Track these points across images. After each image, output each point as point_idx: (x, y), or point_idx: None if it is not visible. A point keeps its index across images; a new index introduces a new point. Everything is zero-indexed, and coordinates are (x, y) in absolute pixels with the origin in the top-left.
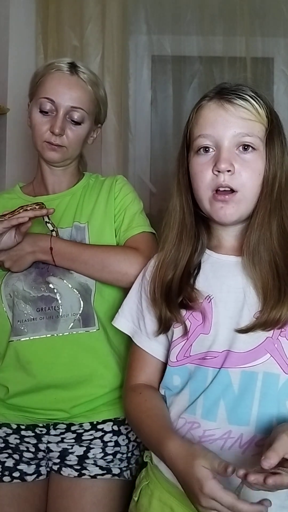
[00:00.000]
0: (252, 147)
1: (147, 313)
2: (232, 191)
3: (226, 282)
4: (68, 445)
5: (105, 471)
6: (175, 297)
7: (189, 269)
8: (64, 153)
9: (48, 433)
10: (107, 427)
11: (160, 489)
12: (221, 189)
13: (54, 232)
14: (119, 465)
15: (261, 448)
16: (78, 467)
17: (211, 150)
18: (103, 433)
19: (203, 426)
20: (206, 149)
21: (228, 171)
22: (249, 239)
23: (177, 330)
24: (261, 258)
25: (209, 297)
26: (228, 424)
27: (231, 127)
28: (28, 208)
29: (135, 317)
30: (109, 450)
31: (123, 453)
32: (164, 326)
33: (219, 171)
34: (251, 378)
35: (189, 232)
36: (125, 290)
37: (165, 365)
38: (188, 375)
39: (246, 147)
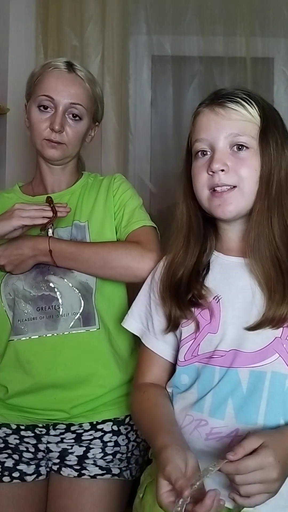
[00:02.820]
0: (245, 146)
1: (156, 313)
2: (232, 187)
3: (234, 283)
4: (67, 445)
5: (104, 471)
6: (184, 294)
7: (198, 268)
8: (64, 151)
9: (47, 433)
10: (107, 427)
11: None
12: (217, 189)
13: (48, 230)
14: (118, 465)
15: None
16: (78, 467)
17: (207, 153)
18: (102, 433)
19: (211, 424)
20: (203, 152)
21: (222, 170)
22: (248, 236)
23: (185, 330)
24: (262, 255)
25: (217, 297)
26: (236, 423)
27: (223, 129)
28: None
29: (143, 318)
30: (108, 450)
31: (122, 453)
32: (173, 324)
33: (213, 172)
34: (260, 378)
35: (196, 235)
36: (126, 289)
37: (173, 365)
38: (196, 374)
39: (240, 146)
